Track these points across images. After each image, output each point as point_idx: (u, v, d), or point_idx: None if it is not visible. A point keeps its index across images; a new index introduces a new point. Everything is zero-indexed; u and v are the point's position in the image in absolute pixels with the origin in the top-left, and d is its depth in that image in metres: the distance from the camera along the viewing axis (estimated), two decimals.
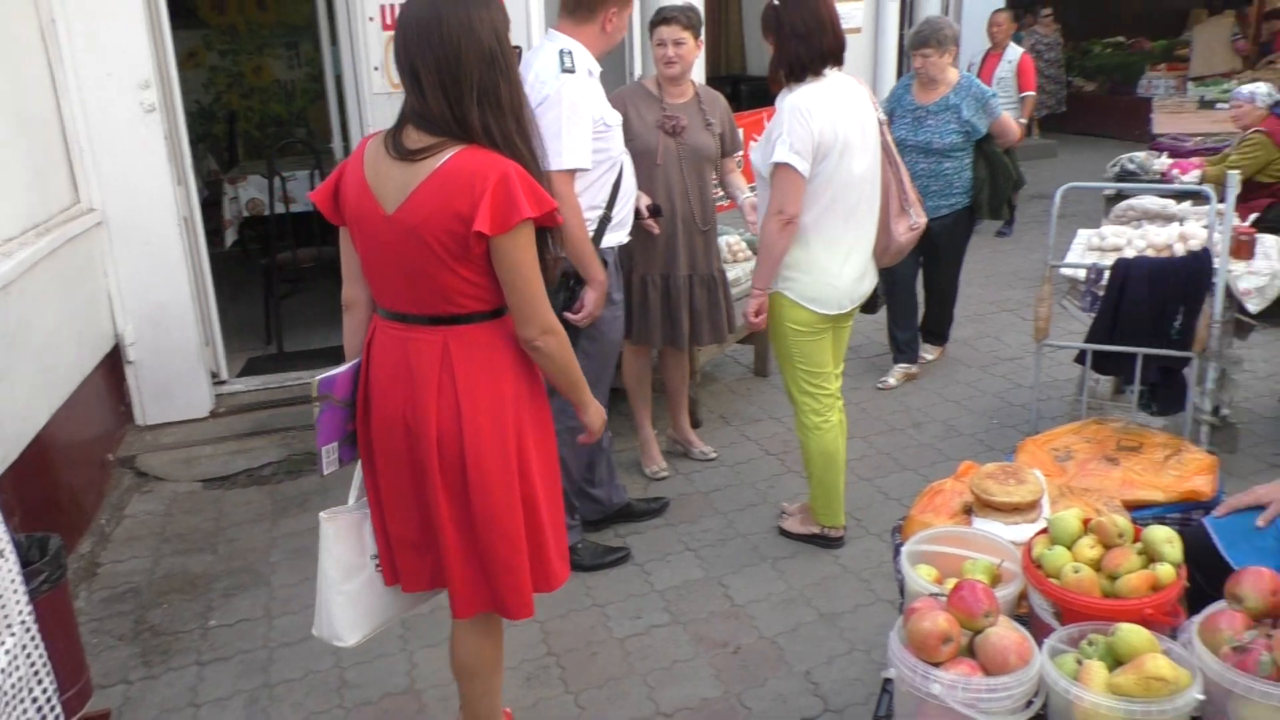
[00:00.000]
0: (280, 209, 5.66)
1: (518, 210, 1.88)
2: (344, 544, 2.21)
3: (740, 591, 3.28)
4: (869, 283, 3.31)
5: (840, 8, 3.18)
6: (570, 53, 3.01)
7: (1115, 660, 1.61)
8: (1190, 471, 2.71)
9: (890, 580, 3.25)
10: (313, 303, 6.21)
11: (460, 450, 2.03)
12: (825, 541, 3.49)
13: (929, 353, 5.22)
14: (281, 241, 5.72)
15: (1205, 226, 3.92)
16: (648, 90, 3.73)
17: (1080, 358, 3.54)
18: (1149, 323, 3.16)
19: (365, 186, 1.98)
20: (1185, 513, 2.63)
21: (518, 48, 2.31)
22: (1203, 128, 7.30)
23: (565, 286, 3.01)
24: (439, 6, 1.90)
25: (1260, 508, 2.37)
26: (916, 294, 4.98)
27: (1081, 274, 3.65)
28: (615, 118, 3.16)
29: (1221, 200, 3.42)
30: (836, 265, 3.17)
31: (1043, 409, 4.04)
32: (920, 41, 4.64)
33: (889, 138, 3.28)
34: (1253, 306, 3.71)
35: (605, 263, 3.10)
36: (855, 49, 7.19)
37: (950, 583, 1.89)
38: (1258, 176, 5.65)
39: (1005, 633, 1.63)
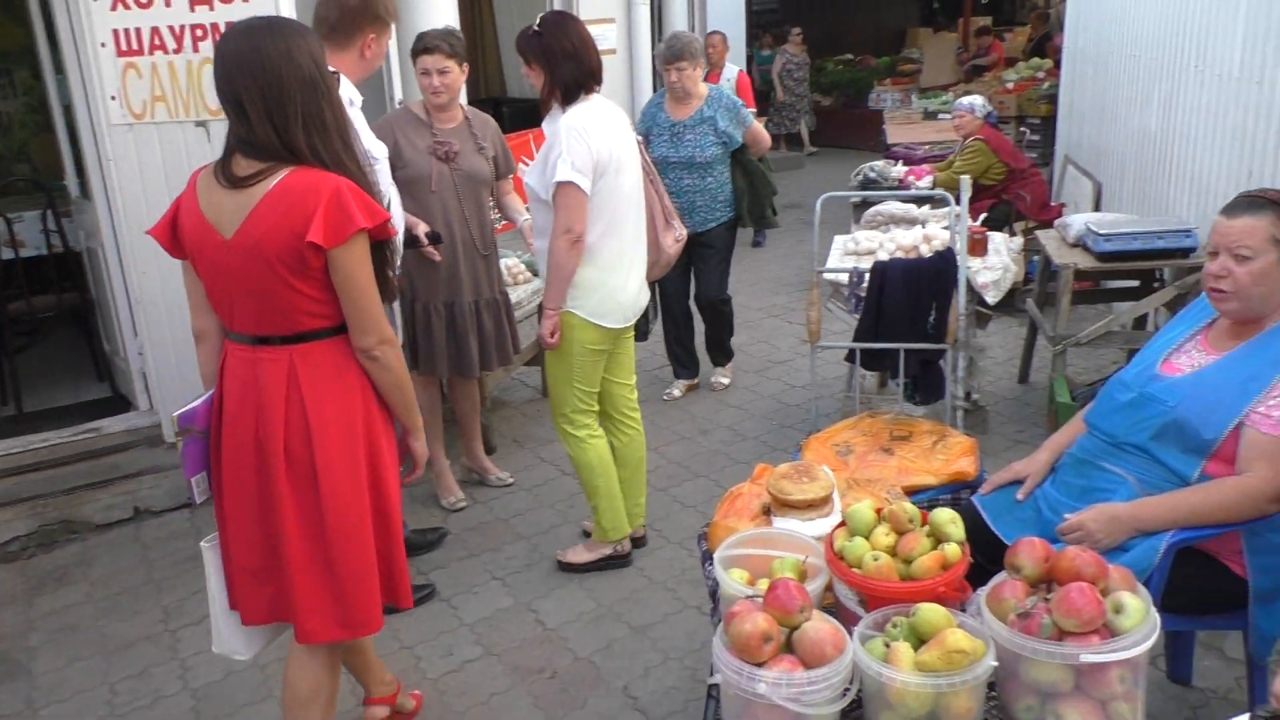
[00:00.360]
0: (8, 254, 5.12)
1: (352, 222, 1.98)
2: None
3: (551, 615, 3.27)
4: (646, 296, 3.41)
5: (593, 30, 3.26)
6: None
7: (918, 639, 1.72)
8: (955, 455, 2.95)
9: (696, 586, 3.34)
10: (54, 355, 5.67)
11: (310, 464, 2.09)
12: (617, 560, 3.52)
13: (723, 376, 5.23)
14: (11, 289, 5.18)
15: (945, 228, 4.29)
16: (416, 116, 3.66)
17: (850, 356, 3.78)
18: (907, 319, 3.42)
19: (201, 217, 2.04)
20: (955, 493, 2.86)
21: (335, 73, 2.28)
22: (930, 136, 7.98)
23: None
24: (257, 38, 1.97)
25: (1019, 482, 2.63)
26: (690, 309, 5.13)
27: (844, 278, 3.90)
28: (381, 150, 3.08)
29: (957, 203, 3.75)
30: (620, 280, 3.24)
31: (818, 407, 4.27)
32: (674, 55, 4.65)
33: (646, 156, 3.40)
34: (991, 298, 4.09)
35: None
36: (612, 70, 7.36)
37: (763, 583, 1.97)
38: (980, 180, 6.24)
39: (820, 625, 1.71)
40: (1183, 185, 4.69)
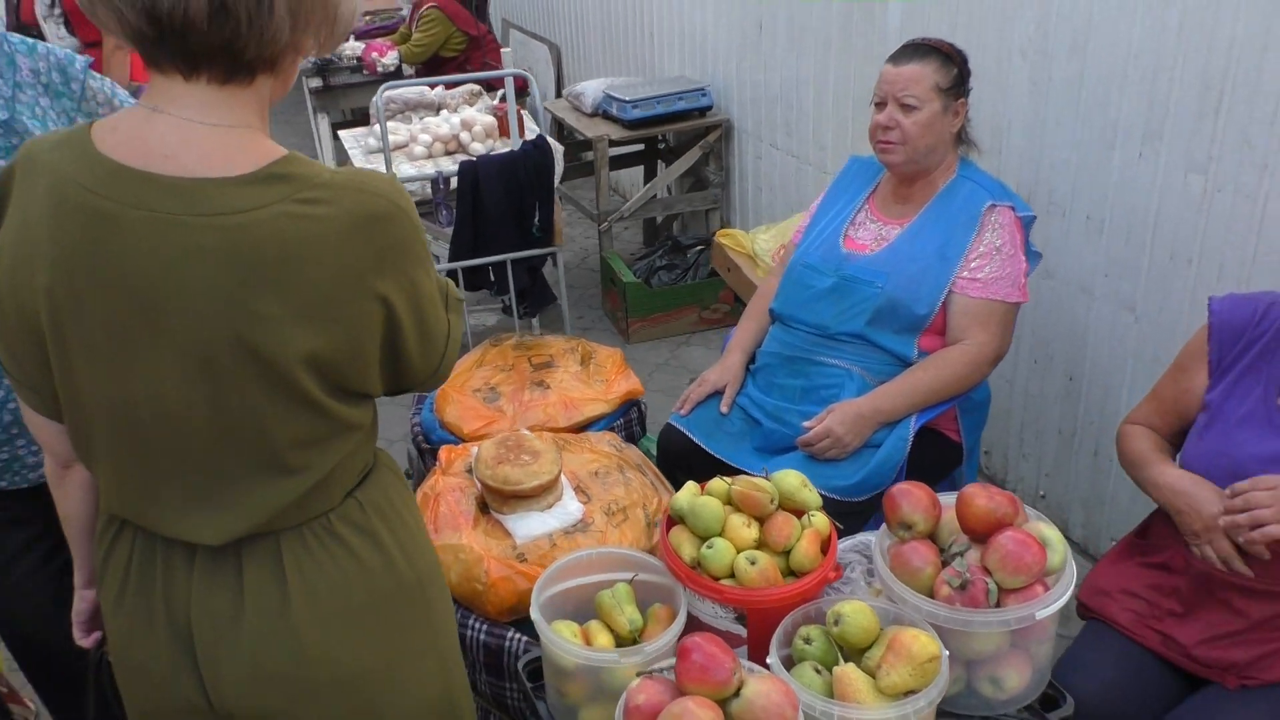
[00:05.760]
0: None
1: None
2: None
3: None
4: None
5: None
6: None
7: (844, 652, 1.37)
8: (613, 373, 2.62)
9: None
10: None
11: None
12: None
13: None
14: None
15: (481, 111, 3.79)
16: None
17: (450, 277, 3.16)
18: (513, 225, 2.90)
19: None
20: (626, 413, 2.55)
21: None
22: (370, 5, 7.18)
23: None
24: None
25: (717, 394, 2.36)
26: None
27: (420, 187, 3.23)
28: None
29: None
30: None
31: None
32: None
33: None
34: None
35: None
36: None
37: (600, 637, 1.45)
38: (442, 51, 5.78)
39: (763, 688, 1.25)
40: (670, 43, 4.67)
